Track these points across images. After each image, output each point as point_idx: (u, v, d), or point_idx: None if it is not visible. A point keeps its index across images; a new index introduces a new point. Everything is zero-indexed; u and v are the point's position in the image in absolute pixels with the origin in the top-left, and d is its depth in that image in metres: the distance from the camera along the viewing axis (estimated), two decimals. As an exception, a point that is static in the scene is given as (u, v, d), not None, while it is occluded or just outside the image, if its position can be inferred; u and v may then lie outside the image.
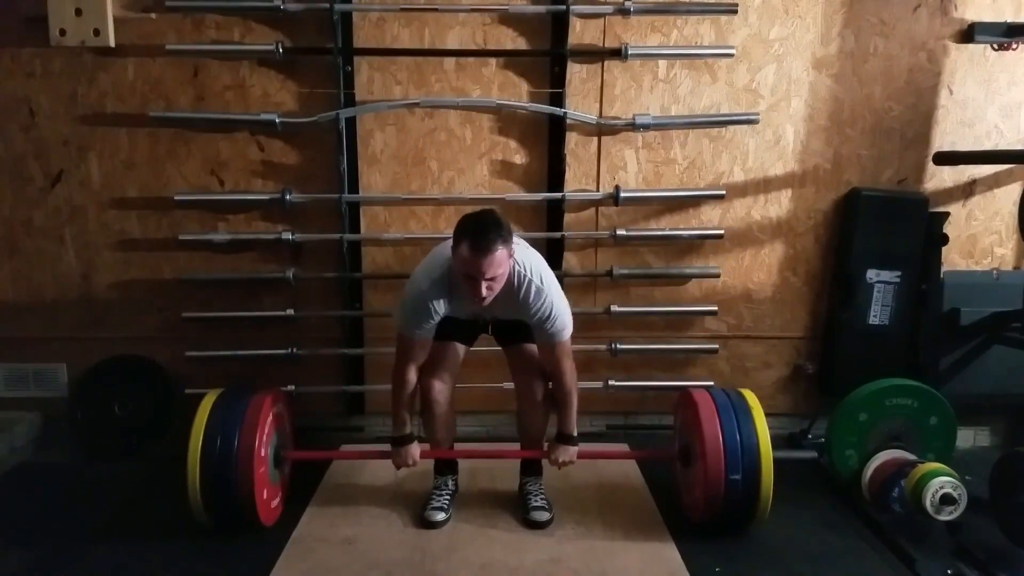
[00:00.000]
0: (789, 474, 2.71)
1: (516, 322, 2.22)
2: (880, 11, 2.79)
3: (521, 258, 2.08)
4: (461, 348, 2.33)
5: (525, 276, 2.07)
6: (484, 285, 1.95)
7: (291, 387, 2.86)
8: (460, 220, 2.01)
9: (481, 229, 1.95)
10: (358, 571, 2.06)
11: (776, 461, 2.16)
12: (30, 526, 2.33)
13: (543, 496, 2.36)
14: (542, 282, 2.09)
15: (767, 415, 3.00)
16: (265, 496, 2.21)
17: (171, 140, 2.80)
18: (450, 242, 2.02)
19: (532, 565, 2.09)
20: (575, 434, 2.27)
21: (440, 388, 2.25)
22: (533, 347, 2.26)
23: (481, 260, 1.92)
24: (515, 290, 2.07)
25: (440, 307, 2.09)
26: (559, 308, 2.11)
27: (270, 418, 2.25)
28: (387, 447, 2.30)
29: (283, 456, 2.37)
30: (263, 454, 2.19)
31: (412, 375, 2.20)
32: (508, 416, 2.68)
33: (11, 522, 2.35)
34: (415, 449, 2.26)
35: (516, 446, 2.44)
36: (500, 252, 1.94)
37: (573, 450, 2.27)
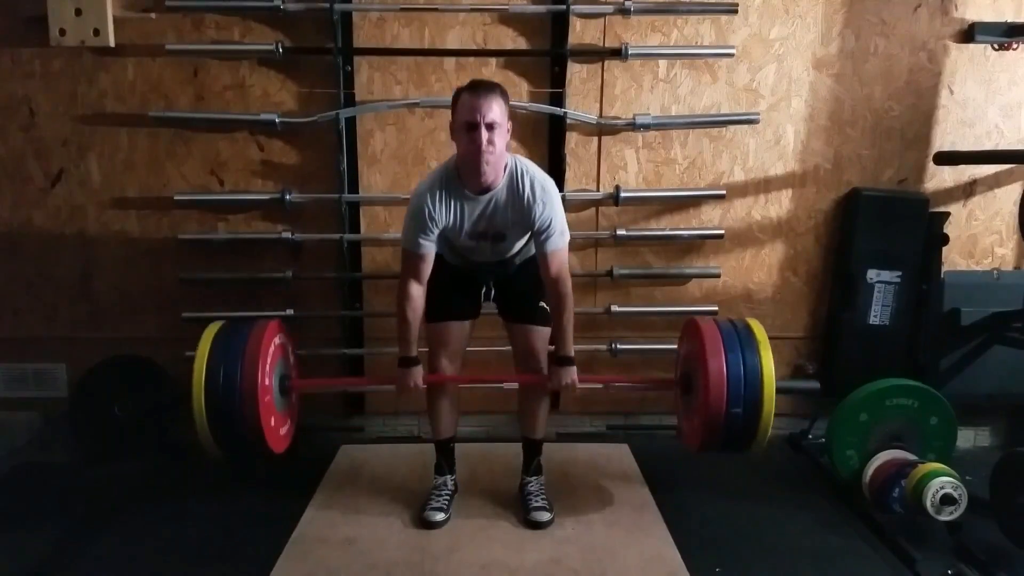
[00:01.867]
0: (790, 474, 2.73)
1: (519, 290, 2.24)
2: (880, 11, 2.79)
3: (522, 163, 2.15)
4: (466, 326, 2.33)
5: (526, 173, 2.12)
6: (484, 137, 1.97)
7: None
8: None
9: (478, 80, 2.09)
10: (358, 571, 2.06)
11: (778, 391, 2.18)
12: (29, 526, 2.32)
13: (544, 496, 2.35)
14: (544, 183, 2.13)
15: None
16: (273, 424, 2.21)
17: (171, 140, 2.80)
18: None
19: (532, 565, 2.09)
20: (572, 355, 2.23)
21: (447, 366, 2.27)
22: (536, 329, 2.27)
23: (480, 100, 1.98)
24: (516, 186, 2.10)
25: (439, 213, 2.10)
26: (559, 215, 2.14)
27: (273, 347, 2.25)
28: (391, 375, 2.28)
29: (288, 385, 2.37)
30: (267, 383, 2.19)
31: (416, 291, 2.18)
32: (508, 416, 2.68)
33: (11, 522, 2.35)
34: (419, 372, 2.24)
35: (517, 446, 2.44)
36: (499, 101, 2.02)
37: (573, 371, 2.23)
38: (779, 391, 2.18)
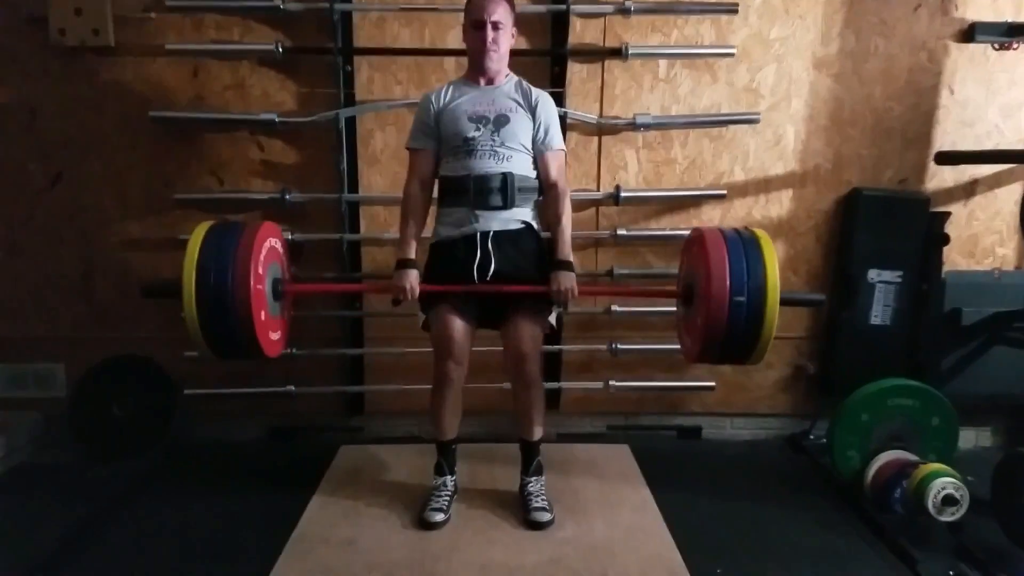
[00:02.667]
0: (790, 475, 2.73)
1: (515, 271, 2.19)
2: (880, 11, 2.79)
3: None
4: (468, 328, 2.25)
5: (531, 85, 2.30)
6: (490, 35, 2.17)
7: (291, 387, 2.87)
8: None
9: None
10: (358, 572, 2.05)
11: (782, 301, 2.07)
12: (29, 526, 2.32)
13: (544, 497, 2.35)
14: (547, 95, 2.31)
15: (767, 416, 3.05)
16: (265, 322, 2.15)
17: (171, 140, 2.80)
18: None
19: (532, 566, 2.08)
20: (571, 259, 2.22)
21: (454, 368, 2.24)
22: (526, 324, 2.21)
23: (487, 2, 2.16)
24: (522, 84, 2.29)
25: (442, 99, 2.26)
26: (557, 125, 2.30)
27: (266, 246, 2.18)
28: (386, 281, 2.26)
29: (282, 290, 2.31)
30: (260, 282, 2.12)
31: (417, 189, 2.27)
32: (507, 417, 2.67)
33: (10, 522, 2.35)
34: (415, 275, 2.19)
35: (516, 446, 2.43)
36: (504, 4, 2.20)
37: (572, 277, 2.19)
38: (783, 302, 2.06)
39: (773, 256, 2.09)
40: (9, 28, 2.69)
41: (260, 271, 2.13)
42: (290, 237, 2.80)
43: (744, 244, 2.11)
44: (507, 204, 2.20)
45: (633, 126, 2.79)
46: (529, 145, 2.25)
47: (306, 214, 2.85)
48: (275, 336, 2.26)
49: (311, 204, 2.83)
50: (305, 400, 2.91)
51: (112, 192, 2.83)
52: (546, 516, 2.28)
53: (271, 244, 2.23)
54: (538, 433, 2.38)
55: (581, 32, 2.76)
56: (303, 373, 2.91)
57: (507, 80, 2.29)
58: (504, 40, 2.21)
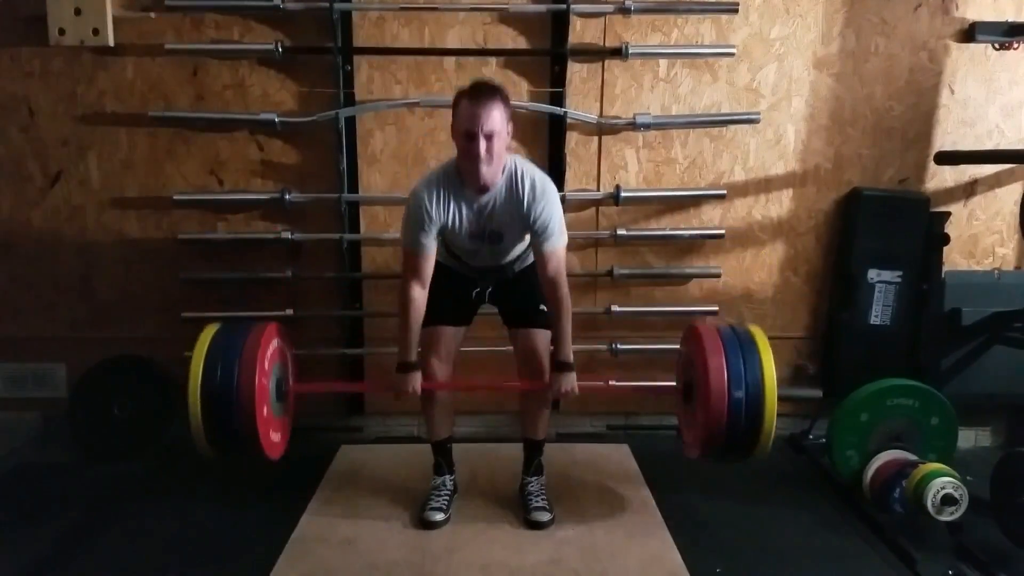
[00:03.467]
0: (790, 475, 2.73)
1: (519, 294, 2.25)
2: (881, 10, 2.79)
3: (521, 163, 2.15)
4: (459, 332, 2.32)
5: (525, 174, 2.12)
6: (483, 146, 1.97)
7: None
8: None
9: (479, 85, 2.07)
10: (357, 571, 2.05)
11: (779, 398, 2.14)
12: (29, 526, 2.32)
13: (544, 497, 2.35)
14: (543, 184, 2.13)
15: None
16: (269, 431, 2.20)
17: (170, 140, 2.79)
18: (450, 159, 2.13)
19: (532, 566, 2.08)
20: (571, 360, 2.22)
21: (438, 366, 2.26)
22: (538, 332, 2.26)
23: (479, 109, 1.97)
24: (515, 186, 2.10)
25: (437, 212, 2.10)
26: (558, 215, 2.14)
27: (270, 350, 2.24)
28: (389, 381, 2.27)
29: (285, 389, 2.36)
30: (265, 388, 2.18)
31: (416, 292, 2.16)
32: (508, 416, 2.68)
33: (10, 522, 2.35)
34: (417, 378, 2.22)
35: (517, 446, 2.43)
36: (498, 108, 2.01)
37: (573, 377, 2.21)
38: (781, 399, 2.15)
39: (770, 358, 2.16)
40: (8, 27, 2.68)
41: (265, 386, 2.20)
42: (290, 236, 2.81)
43: (741, 345, 2.18)
44: (509, 275, 2.31)
45: (633, 126, 2.78)
46: (526, 240, 2.23)
47: (306, 214, 2.85)
48: (278, 437, 2.32)
49: (311, 204, 2.83)
50: (305, 400, 2.90)
51: (112, 192, 2.83)
52: (546, 516, 2.28)
53: (274, 346, 2.29)
54: (543, 432, 2.39)
55: (581, 31, 2.76)
56: (303, 373, 2.89)
57: (502, 181, 2.10)
58: (499, 147, 2.02)
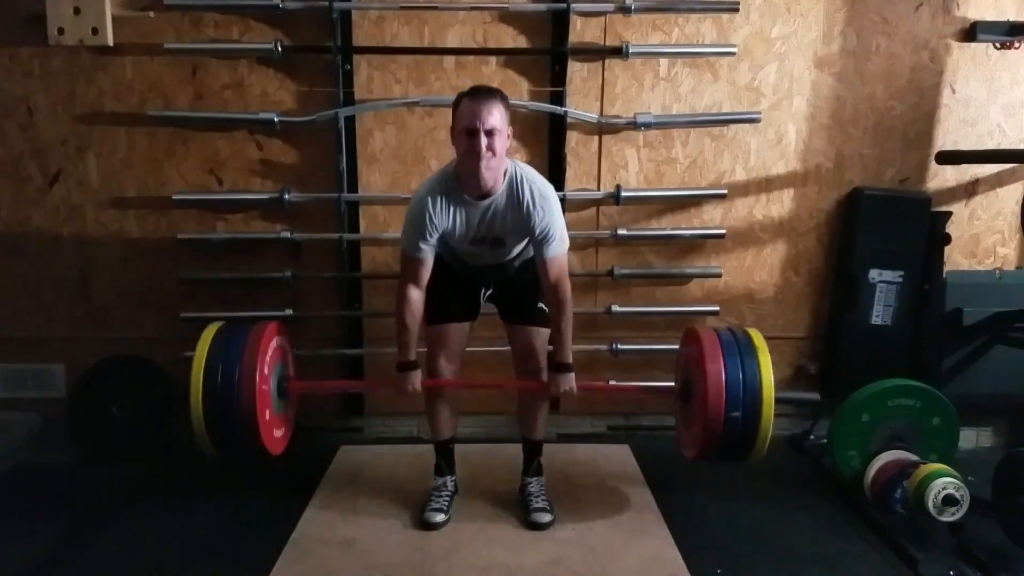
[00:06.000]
0: (791, 475, 2.72)
1: (518, 292, 2.26)
2: (882, 9, 2.78)
3: (521, 169, 2.15)
4: (464, 327, 2.33)
5: (525, 179, 2.12)
6: (484, 143, 1.97)
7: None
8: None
9: (479, 87, 2.10)
10: (357, 572, 2.05)
11: (777, 400, 2.17)
12: (28, 526, 2.31)
13: (544, 497, 2.34)
14: (543, 190, 2.13)
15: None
16: (270, 427, 2.21)
17: (169, 139, 2.79)
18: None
19: (533, 567, 2.08)
20: (571, 361, 2.22)
21: (446, 365, 2.27)
22: (536, 330, 2.27)
23: (480, 107, 1.98)
24: (516, 193, 2.10)
25: (439, 216, 2.10)
26: (558, 221, 2.14)
27: (271, 349, 2.25)
28: (390, 379, 2.29)
29: (286, 387, 2.37)
30: (266, 387, 2.20)
31: (415, 295, 2.17)
32: (508, 416, 2.67)
33: (9, 522, 2.34)
34: (417, 377, 2.24)
35: (517, 447, 2.43)
36: (499, 107, 2.02)
37: (572, 378, 2.22)
38: (779, 401, 2.17)
39: (768, 362, 2.17)
40: (7, 27, 2.67)
41: (265, 385, 2.22)
42: (289, 236, 2.80)
43: (740, 349, 2.19)
44: (509, 275, 2.30)
45: (634, 125, 2.78)
46: (527, 245, 2.22)
47: (305, 214, 2.84)
48: (280, 434, 2.34)
49: (310, 204, 2.82)
50: (305, 400, 2.90)
51: (111, 192, 2.82)
52: (547, 516, 2.28)
53: (275, 345, 2.30)
54: (542, 432, 2.39)
55: (581, 31, 2.75)
56: (302, 373, 2.89)
57: (503, 186, 2.09)
58: (500, 146, 2.01)
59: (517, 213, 2.10)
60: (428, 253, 2.15)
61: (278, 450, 2.32)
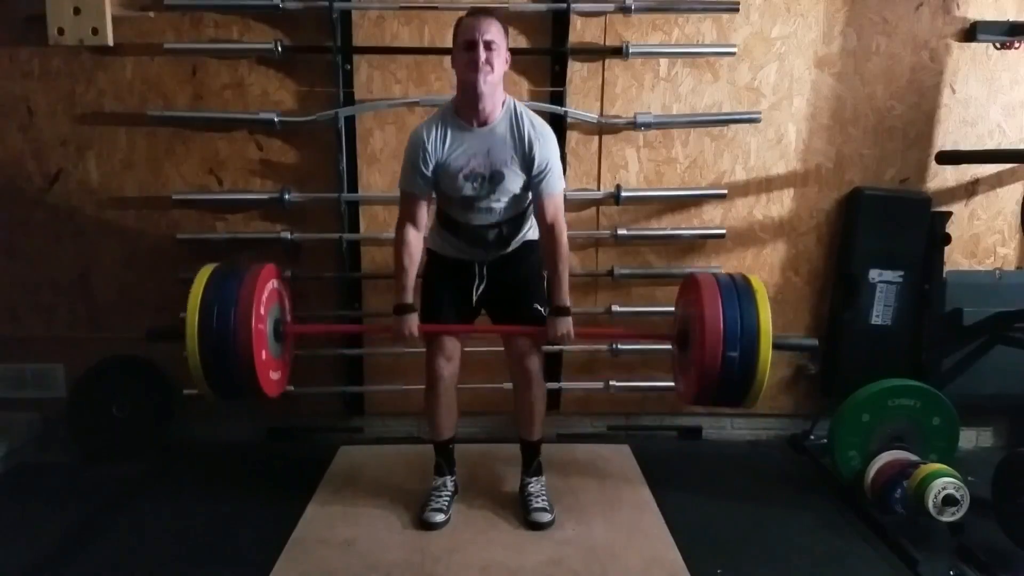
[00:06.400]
0: (791, 475, 2.73)
1: (512, 285, 2.25)
2: (882, 9, 2.78)
3: (521, 105, 2.17)
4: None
5: (524, 113, 2.14)
6: (483, 55, 2.00)
7: (290, 387, 2.86)
8: None
9: (478, 6, 2.14)
10: (357, 572, 2.05)
11: (775, 346, 2.12)
12: (28, 526, 2.32)
13: (544, 497, 2.34)
14: (542, 124, 2.16)
15: (768, 416, 3.04)
16: (266, 364, 2.19)
17: (169, 139, 2.79)
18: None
19: (533, 566, 2.08)
20: (568, 305, 2.20)
21: (444, 365, 2.25)
22: (528, 340, 2.26)
23: (479, 21, 2.03)
24: (515, 122, 2.12)
25: (436, 147, 2.11)
26: (556, 158, 2.16)
27: (268, 289, 2.22)
28: (387, 322, 2.27)
29: (283, 331, 2.34)
30: (262, 324, 2.16)
31: (412, 235, 2.18)
32: (508, 416, 2.66)
33: (9, 522, 2.34)
34: (414, 320, 2.22)
35: (517, 447, 2.43)
36: (497, 25, 2.05)
37: (569, 321, 2.20)
38: (776, 346, 2.12)
39: (767, 306, 2.13)
40: (7, 27, 2.67)
41: (262, 323, 2.18)
42: (289, 236, 2.80)
43: (739, 294, 2.15)
44: (504, 248, 2.26)
45: (634, 125, 2.78)
46: (523, 188, 2.19)
47: (305, 214, 2.84)
48: (276, 376, 2.30)
49: (310, 204, 2.82)
50: (304, 401, 2.90)
51: (110, 192, 2.82)
52: (547, 516, 2.28)
53: (272, 286, 2.27)
54: (539, 433, 2.38)
55: (582, 31, 2.75)
56: (302, 373, 2.89)
57: (502, 115, 2.12)
58: (498, 62, 2.04)
59: (517, 141, 2.12)
60: (425, 189, 2.16)
61: (274, 392, 2.26)
